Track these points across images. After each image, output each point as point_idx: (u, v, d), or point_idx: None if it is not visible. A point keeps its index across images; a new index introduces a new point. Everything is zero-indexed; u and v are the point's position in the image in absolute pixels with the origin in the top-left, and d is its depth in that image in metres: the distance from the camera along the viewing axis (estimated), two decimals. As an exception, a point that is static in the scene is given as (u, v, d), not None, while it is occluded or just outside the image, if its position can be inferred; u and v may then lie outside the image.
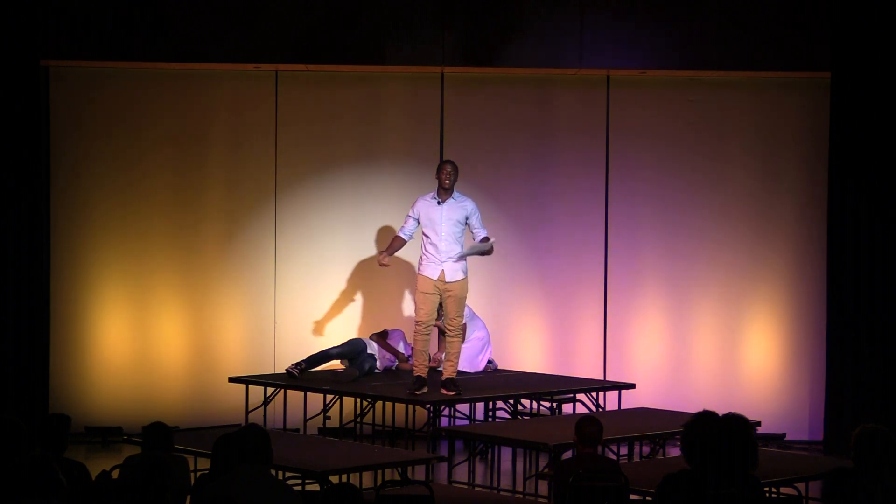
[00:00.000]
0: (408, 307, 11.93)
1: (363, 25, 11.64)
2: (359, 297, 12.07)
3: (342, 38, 11.64)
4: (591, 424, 7.39)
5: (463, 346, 10.98)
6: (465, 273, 10.05)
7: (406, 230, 10.17)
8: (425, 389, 9.98)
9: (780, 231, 11.92)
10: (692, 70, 11.80)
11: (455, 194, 10.04)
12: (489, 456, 10.50)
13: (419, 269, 10.06)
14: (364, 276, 12.03)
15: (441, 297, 10.02)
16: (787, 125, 11.93)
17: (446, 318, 10.10)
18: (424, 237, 10.05)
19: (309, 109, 12.01)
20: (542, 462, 9.24)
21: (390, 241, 10.33)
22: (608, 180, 12.04)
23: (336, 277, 12.04)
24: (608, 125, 12.03)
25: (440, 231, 9.96)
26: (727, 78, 11.92)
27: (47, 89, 11.62)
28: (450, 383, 10.01)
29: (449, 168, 10.02)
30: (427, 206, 10.03)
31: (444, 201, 10.00)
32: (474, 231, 10.10)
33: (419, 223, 10.10)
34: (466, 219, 10.05)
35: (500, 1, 11.75)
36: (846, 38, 11.10)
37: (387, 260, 10.20)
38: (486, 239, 10.00)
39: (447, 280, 9.96)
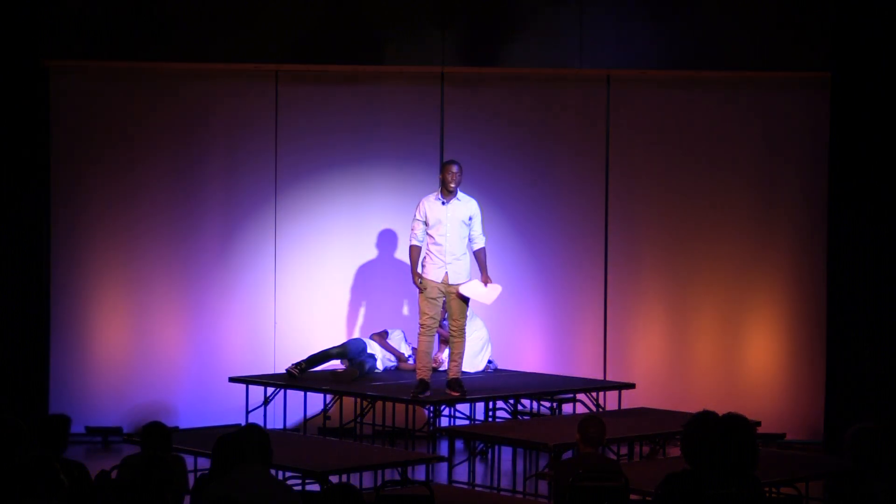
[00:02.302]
0: (407, 307, 11.93)
1: (363, 25, 11.64)
2: (358, 297, 12.07)
3: (342, 38, 11.64)
4: (594, 425, 7.41)
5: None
6: (469, 275, 10.04)
7: (418, 236, 10.06)
8: (428, 393, 9.98)
9: (781, 230, 11.91)
10: (692, 69, 11.79)
11: (459, 193, 10.03)
12: (489, 456, 10.50)
13: (423, 271, 10.02)
14: (364, 276, 12.03)
15: (445, 299, 10.00)
16: (788, 124, 11.92)
17: (450, 318, 10.08)
18: (429, 237, 10.02)
19: (309, 109, 12.01)
20: (542, 462, 9.24)
21: (410, 257, 10.14)
22: (608, 179, 12.03)
23: (336, 277, 12.03)
24: (608, 124, 12.02)
25: (446, 231, 9.94)
26: (727, 77, 11.92)
27: (47, 89, 11.61)
28: (455, 383, 10.00)
29: (455, 169, 9.96)
30: (432, 207, 10.00)
31: (448, 201, 9.99)
32: (473, 235, 10.06)
33: (425, 225, 10.05)
34: (470, 219, 10.03)
35: (500, 1, 11.74)
36: (846, 38, 11.10)
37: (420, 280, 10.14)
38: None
39: (451, 283, 9.95)
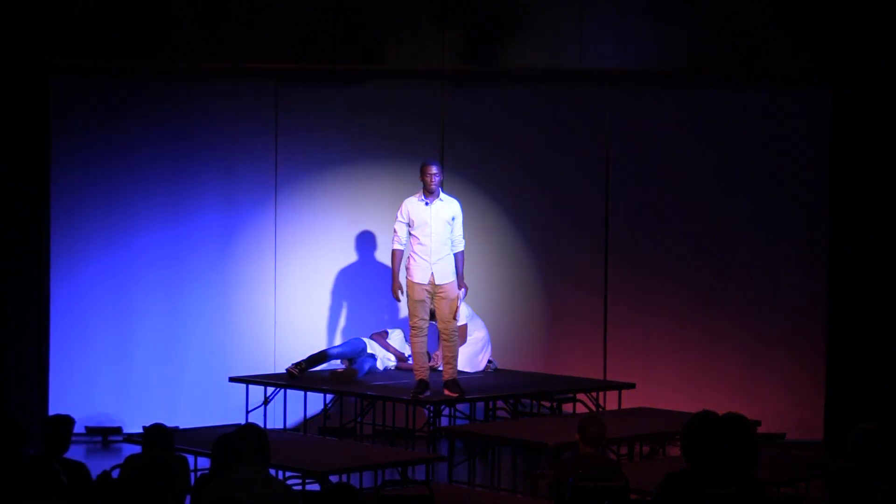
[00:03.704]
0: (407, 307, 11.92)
1: (363, 25, 11.64)
2: (358, 297, 12.07)
3: (342, 38, 11.64)
4: (594, 425, 7.41)
5: (463, 346, 10.97)
6: (454, 274, 10.01)
7: (401, 239, 10.06)
8: (428, 393, 9.97)
9: (781, 228, 11.91)
10: (692, 70, 11.79)
11: (441, 194, 10.01)
12: (489, 456, 10.49)
13: (408, 273, 9.97)
14: (364, 276, 12.03)
15: (432, 300, 9.98)
16: (788, 124, 11.92)
17: (439, 320, 10.03)
18: (413, 238, 9.99)
19: (309, 109, 12.01)
20: (543, 462, 9.24)
21: (392, 263, 10.13)
22: (608, 178, 12.03)
23: (336, 277, 12.04)
24: (608, 124, 12.02)
25: (430, 232, 9.92)
26: (727, 77, 11.91)
27: (47, 88, 11.60)
28: (452, 384, 9.99)
29: (434, 170, 9.93)
30: (415, 208, 9.97)
31: (431, 201, 9.97)
32: (454, 236, 10.00)
33: (409, 226, 10.03)
34: (452, 219, 10.01)
35: (500, 1, 11.74)
36: (846, 38, 11.08)
37: (401, 292, 10.08)
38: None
39: (437, 283, 9.93)
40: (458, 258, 10.07)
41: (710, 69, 11.79)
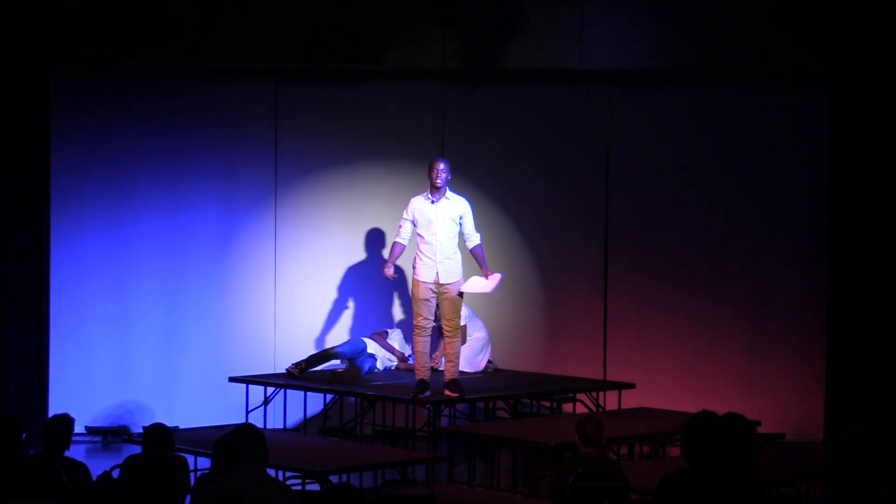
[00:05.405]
0: (407, 307, 11.93)
1: (363, 25, 11.64)
2: (358, 297, 12.07)
3: (342, 38, 11.64)
4: (592, 425, 7.42)
5: (463, 346, 10.97)
6: (461, 274, 10.02)
7: (403, 234, 10.10)
8: (428, 393, 9.97)
9: (781, 228, 11.91)
10: (692, 70, 11.80)
11: (448, 193, 10.01)
12: (489, 456, 10.49)
13: (414, 273, 9.99)
14: (364, 276, 12.04)
15: (437, 299, 9.99)
16: (788, 123, 11.93)
17: (443, 318, 10.07)
18: (419, 237, 10.00)
19: (309, 109, 12.02)
20: (543, 462, 9.24)
21: (391, 250, 10.31)
22: (608, 179, 12.04)
23: (336, 277, 12.04)
24: (608, 124, 12.03)
25: (435, 230, 9.93)
26: (727, 77, 11.92)
27: (47, 88, 11.59)
28: (453, 384, 9.99)
29: (441, 166, 9.95)
30: (421, 206, 9.99)
31: (437, 200, 9.98)
32: (466, 233, 10.05)
33: (414, 225, 10.05)
34: (461, 217, 10.02)
35: (500, 1, 11.74)
36: (845, 37, 11.08)
37: (391, 270, 10.20)
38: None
39: (442, 282, 9.93)
40: (478, 252, 10.12)
41: (709, 69, 11.80)
